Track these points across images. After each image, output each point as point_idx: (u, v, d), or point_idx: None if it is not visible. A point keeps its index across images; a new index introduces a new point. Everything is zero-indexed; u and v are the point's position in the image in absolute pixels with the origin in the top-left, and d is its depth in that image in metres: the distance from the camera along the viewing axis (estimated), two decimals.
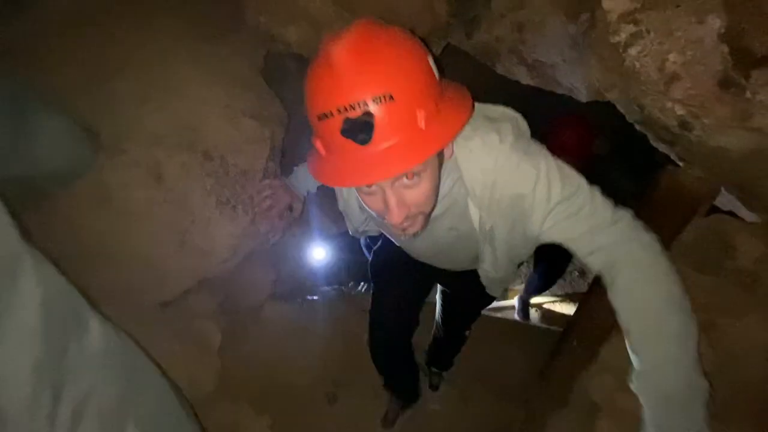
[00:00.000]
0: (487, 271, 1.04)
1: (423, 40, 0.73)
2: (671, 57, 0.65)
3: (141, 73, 1.21)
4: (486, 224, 0.88)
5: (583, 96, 1.21)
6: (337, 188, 1.11)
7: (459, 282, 1.28)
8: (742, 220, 1.10)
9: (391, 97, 0.63)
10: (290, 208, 1.46)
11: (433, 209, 0.83)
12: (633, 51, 0.69)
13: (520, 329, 2.54)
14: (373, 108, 0.63)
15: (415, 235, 0.83)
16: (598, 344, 1.39)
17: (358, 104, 0.63)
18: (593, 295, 1.63)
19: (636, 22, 0.66)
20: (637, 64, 0.69)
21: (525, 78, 1.26)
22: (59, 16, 1.25)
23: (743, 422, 0.95)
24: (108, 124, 1.18)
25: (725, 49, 0.60)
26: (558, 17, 0.91)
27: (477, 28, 1.16)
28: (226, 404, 1.61)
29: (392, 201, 0.72)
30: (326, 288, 2.60)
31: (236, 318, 1.77)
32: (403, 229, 0.80)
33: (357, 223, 1.18)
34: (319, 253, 2.67)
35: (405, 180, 0.71)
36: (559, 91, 1.24)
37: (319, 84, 0.66)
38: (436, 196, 0.81)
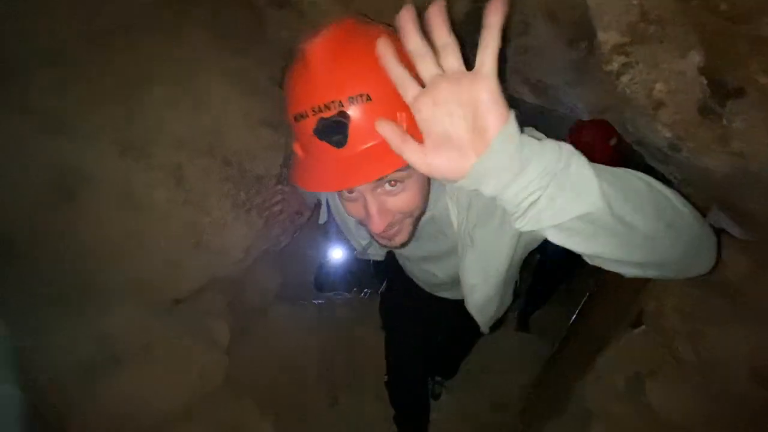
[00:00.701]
0: (473, 285, 0.91)
1: None
2: (657, 86, 0.72)
3: (168, 82, 1.29)
4: (464, 224, 0.80)
5: (584, 115, 1.28)
6: (323, 204, 1.09)
7: (461, 320, 1.17)
8: (733, 237, 1.16)
9: (368, 98, 0.59)
10: (299, 214, 1.53)
11: (422, 215, 0.78)
12: (624, 79, 0.76)
13: (518, 340, 2.58)
14: (348, 108, 0.60)
15: (402, 245, 0.78)
16: (594, 354, 1.44)
17: (333, 104, 0.60)
18: (589, 307, 1.69)
19: (627, 54, 0.73)
20: (628, 91, 0.76)
21: (529, 96, 1.33)
22: (92, 26, 1.34)
23: (728, 426, 1.00)
24: (136, 127, 1.26)
25: (704, 81, 0.67)
26: (559, 44, 0.98)
27: None
28: (231, 401, 1.67)
29: (373, 208, 0.67)
30: (331, 293, 2.65)
31: (244, 318, 1.83)
32: (389, 239, 0.75)
33: (358, 239, 1.12)
34: (325, 259, 2.73)
35: (387, 186, 0.67)
36: (561, 110, 1.31)
37: (296, 83, 0.63)
38: (425, 201, 0.76)
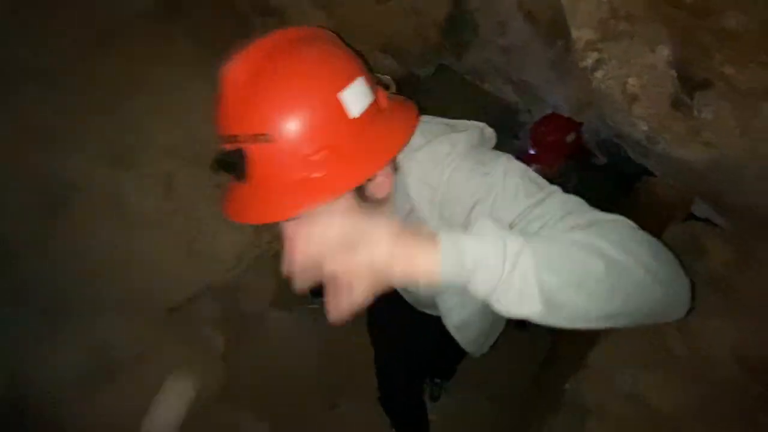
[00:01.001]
0: (450, 307, 0.86)
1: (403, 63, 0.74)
2: (630, 81, 0.73)
3: (156, 91, 1.30)
4: None
5: (565, 112, 1.30)
6: None
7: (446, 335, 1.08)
8: (717, 227, 1.17)
9: (272, 137, 0.54)
10: None
11: None
12: (599, 74, 0.77)
13: (516, 339, 2.58)
14: (248, 145, 0.54)
15: None
16: (587, 349, 1.45)
17: (234, 138, 0.55)
18: None
19: (599, 50, 0.74)
20: (603, 86, 0.78)
21: (512, 95, 1.35)
22: (79, 38, 1.36)
23: (721, 418, 1.00)
24: (125, 137, 1.27)
25: (674, 74, 0.68)
26: (537, 43, 1.00)
27: (466, 50, 1.25)
28: (228, 409, 1.66)
29: (290, 235, 0.60)
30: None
31: (239, 325, 1.83)
32: None
33: None
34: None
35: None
36: (544, 107, 1.33)
37: (215, 105, 0.59)
38: None
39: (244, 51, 0.56)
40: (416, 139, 0.67)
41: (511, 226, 0.58)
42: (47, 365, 1.26)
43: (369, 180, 0.62)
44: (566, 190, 0.61)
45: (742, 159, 0.69)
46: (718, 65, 0.60)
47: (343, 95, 0.57)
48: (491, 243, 0.46)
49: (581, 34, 0.76)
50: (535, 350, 2.34)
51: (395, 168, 0.70)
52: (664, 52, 0.66)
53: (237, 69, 0.56)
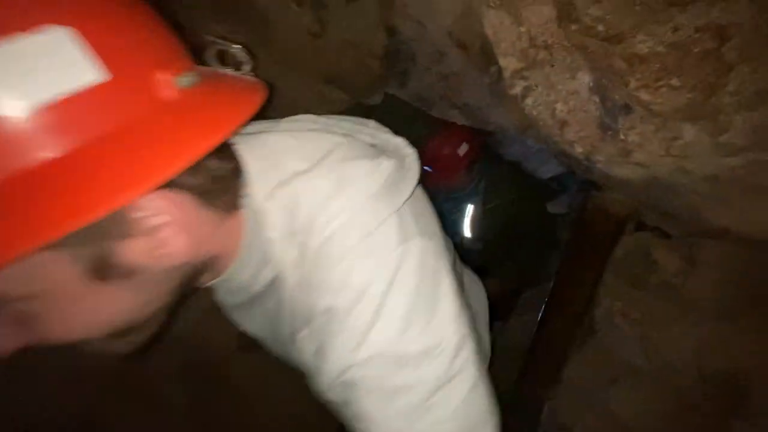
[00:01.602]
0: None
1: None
2: (558, 106, 0.74)
3: None
4: (298, 334, 0.49)
5: (511, 133, 1.32)
6: None
7: None
8: (665, 237, 1.20)
9: None
10: None
11: (147, 324, 0.45)
12: (529, 101, 0.78)
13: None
14: None
15: (124, 356, 0.48)
16: (560, 365, 1.44)
17: None
18: (550, 318, 1.69)
19: (525, 78, 0.75)
20: (535, 112, 0.78)
21: (459, 119, 1.36)
22: None
23: (686, 427, 1.00)
24: None
25: (596, 98, 0.69)
26: (473, 70, 1.01)
27: (408, 78, 1.26)
28: None
29: None
30: None
31: (202, 378, 1.73)
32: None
33: None
34: None
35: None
36: (491, 129, 1.35)
37: None
38: (139, 313, 0.42)
39: None
40: (295, 163, 0.43)
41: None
42: None
43: (110, 240, 0.35)
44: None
45: (673, 177, 0.71)
46: (633, 90, 0.61)
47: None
48: None
49: (507, 62, 0.77)
50: (506, 369, 2.32)
51: (228, 207, 0.42)
52: (585, 78, 0.68)
53: None
